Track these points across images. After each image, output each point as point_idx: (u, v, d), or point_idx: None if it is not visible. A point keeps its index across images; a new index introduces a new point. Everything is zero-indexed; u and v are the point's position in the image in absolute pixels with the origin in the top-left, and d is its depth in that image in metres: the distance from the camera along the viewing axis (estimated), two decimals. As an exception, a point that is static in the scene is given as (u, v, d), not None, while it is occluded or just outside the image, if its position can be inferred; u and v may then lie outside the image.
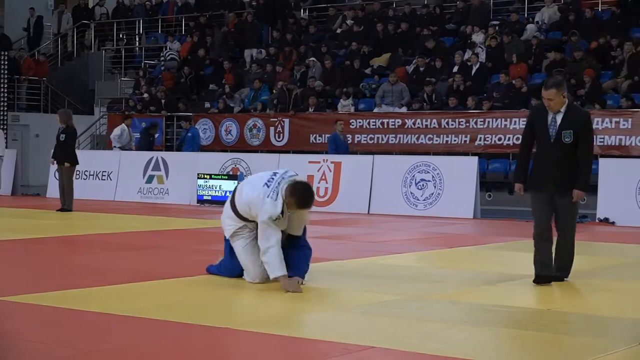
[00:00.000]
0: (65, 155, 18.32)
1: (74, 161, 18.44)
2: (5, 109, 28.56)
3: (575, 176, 8.87)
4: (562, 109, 8.88)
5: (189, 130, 23.64)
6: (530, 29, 24.06)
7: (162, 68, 28.77)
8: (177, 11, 32.74)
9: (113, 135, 23.84)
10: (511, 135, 20.12)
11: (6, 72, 28.67)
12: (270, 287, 8.40)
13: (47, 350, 5.81)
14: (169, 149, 25.23)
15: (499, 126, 20.47)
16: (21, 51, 31.85)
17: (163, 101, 25.87)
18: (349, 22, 27.16)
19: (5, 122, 28.39)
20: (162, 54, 29.93)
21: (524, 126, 21.59)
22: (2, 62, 28.57)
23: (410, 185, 18.90)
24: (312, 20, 29.09)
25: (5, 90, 28.67)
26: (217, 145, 24.43)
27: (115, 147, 23.67)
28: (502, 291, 8.66)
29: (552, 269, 8.98)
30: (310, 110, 23.40)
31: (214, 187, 20.51)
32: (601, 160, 18.27)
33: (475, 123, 20.82)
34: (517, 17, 24.91)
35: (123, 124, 23.74)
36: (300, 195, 8.21)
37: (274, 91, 24.47)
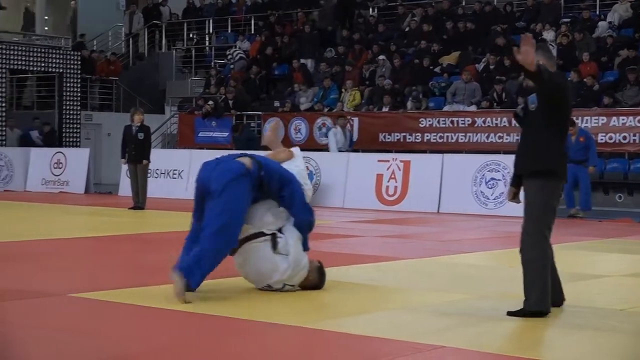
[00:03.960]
0: (144, 153, 18.49)
1: (149, 159, 18.64)
2: (79, 108, 29.02)
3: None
4: None
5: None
6: (602, 27, 23.79)
7: (232, 67, 28.98)
8: (247, 10, 32.96)
9: (330, 141, 22.22)
10: (583, 134, 19.89)
11: (79, 72, 29.12)
12: (336, 286, 8.43)
13: (121, 345, 5.90)
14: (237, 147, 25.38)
15: (570, 125, 20.25)
16: (100, 53, 32.33)
17: (231, 102, 26.01)
18: (417, 19, 27.11)
19: (78, 121, 28.85)
20: (228, 53, 30.08)
21: (595, 124, 21.20)
22: (76, 63, 29.02)
23: (480, 184, 18.80)
24: (380, 18, 29.07)
25: (79, 90, 29.13)
26: (287, 144, 24.44)
27: (333, 150, 22.10)
28: (574, 291, 8.56)
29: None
30: (384, 109, 23.39)
31: (284, 186, 20.54)
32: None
33: (546, 121, 20.61)
34: (589, 14, 24.63)
35: (337, 126, 22.30)
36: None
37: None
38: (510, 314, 7.08)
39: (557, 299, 7.34)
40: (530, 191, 7.09)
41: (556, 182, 7.13)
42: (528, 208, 7.09)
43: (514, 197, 7.40)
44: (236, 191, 7.62)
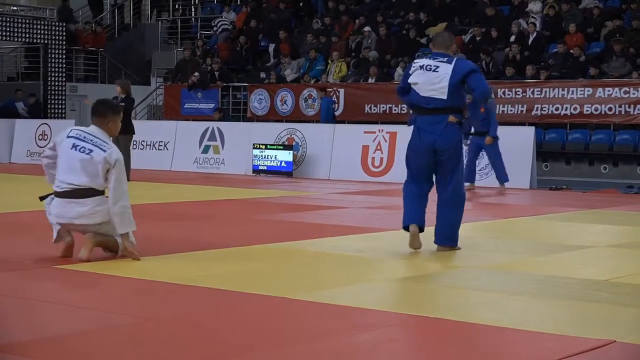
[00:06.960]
0: (125, 124, 18.36)
1: (133, 130, 18.52)
2: (64, 79, 28.87)
3: None
4: None
5: (322, 100, 23.00)
6: (589, -3, 23.76)
7: (217, 39, 28.86)
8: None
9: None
10: (568, 105, 19.91)
11: (64, 43, 28.94)
12: (322, 257, 8.43)
13: (104, 316, 5.88)
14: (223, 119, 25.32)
15: (556, 96, 20.26)
16: (82, 24, 32.08)
17: (217, 73, 25.93)
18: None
19: (63, 93, 28.70)
20: (213, 24, 29.93)
21: (581, 96, 21.11)
22: (61, 34, 28.83)
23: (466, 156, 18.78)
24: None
25: (64, 61, 28.96)
26: (273, 116, 24.49)
27: None
28: (558, 262, 8.60)
29: None
30: (371, 80, 23.33)
31: (270, 157, 20.57)
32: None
33: (532, 93, 20.63)
34: (576, -16, 24.59)
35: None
36: None
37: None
38: None
39: None
40: None
41: None
42: None
43: None
44: None
